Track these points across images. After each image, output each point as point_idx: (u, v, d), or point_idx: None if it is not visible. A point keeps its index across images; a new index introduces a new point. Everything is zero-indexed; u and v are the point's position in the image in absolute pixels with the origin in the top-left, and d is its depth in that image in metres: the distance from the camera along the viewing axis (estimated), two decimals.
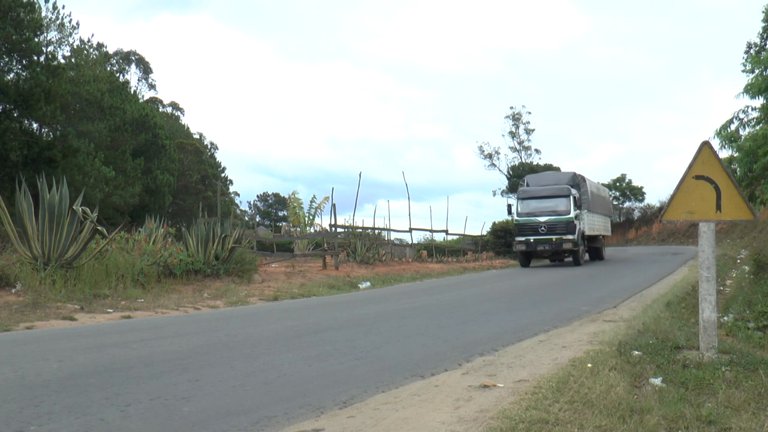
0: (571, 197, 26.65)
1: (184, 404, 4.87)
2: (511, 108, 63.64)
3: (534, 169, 64.08)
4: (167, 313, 11.82)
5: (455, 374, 5.98)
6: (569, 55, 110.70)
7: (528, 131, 62.79)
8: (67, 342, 8.22)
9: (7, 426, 4.35)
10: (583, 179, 28.86)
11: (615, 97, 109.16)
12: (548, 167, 62.95)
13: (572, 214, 26.45)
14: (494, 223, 38.87)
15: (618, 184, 66.21)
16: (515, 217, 28.06)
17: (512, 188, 64.32)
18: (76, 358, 6.99)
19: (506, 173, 63.43)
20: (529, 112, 63.19)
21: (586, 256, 30.31)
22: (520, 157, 64.18)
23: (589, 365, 6.00)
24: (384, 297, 14.88)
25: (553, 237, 26.41)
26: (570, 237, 26.20)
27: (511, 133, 62.86)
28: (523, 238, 27.18)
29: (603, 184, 43.76)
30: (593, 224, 29.49)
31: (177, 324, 10.28)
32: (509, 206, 28.74)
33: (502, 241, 36.88)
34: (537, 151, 63.79)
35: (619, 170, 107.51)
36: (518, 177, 63.46)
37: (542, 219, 26.78)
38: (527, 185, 29.22)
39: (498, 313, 11.45)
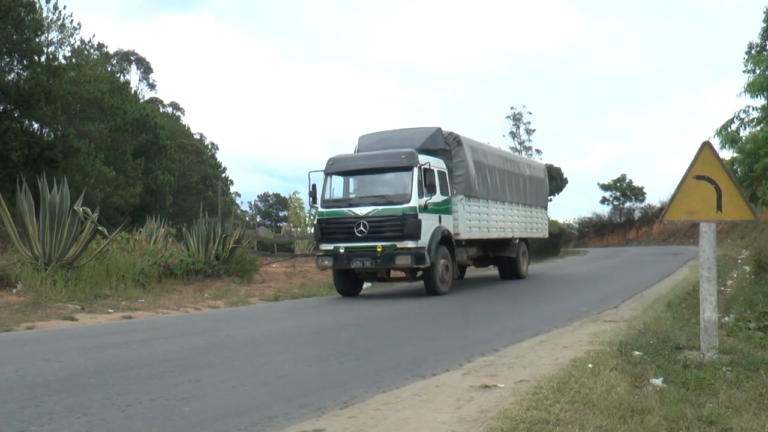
0: (416, 171, 14.27)
1: (185, 404, 4.87)
2: (512, 108, 63.10)
3: None
4: (168, 314, 11.82)
5: (456, 374, 5.98)
6: (569, 56, 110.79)
7: (529, 131, 62.49)
8: (67, 342, 8.22)
9: (8, 426, 4.35)
10: (458, 141, 16.12)
11: (615, 98, 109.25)
12: (548, 168, 62.51)
13: (414, 202, 14.06)
14: None
15: (619, 184, 66.16)
16: (318, 208, 15.34)
17: None
18: (77, 358, 7.00)
19: None
20: (530, 113, 62.48)
21: (488, 274, 21.16)
22: None
23: (590, 365, 6.00)
24: (385, 298, 14.87)
25: (378, 244, 14.12)
26: (410, 244, 13.96)
27: (512, 133, 62.51)
28: (330, 246, 14.62)
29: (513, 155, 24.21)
30: (487, 220, 17.46)
31: (178, 324, 10.29)
32: (313, 187, 15.54)
33: None
34: (538, 151, 63.34)
35: (620, 170, 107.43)
36: None
37: (360, 211, 14.41)
38: (357, 151, 16.65)
39: (499, 315, 11.45)
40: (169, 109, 53.51)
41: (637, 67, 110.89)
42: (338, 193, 15.36)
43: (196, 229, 17.29)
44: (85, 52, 37.34)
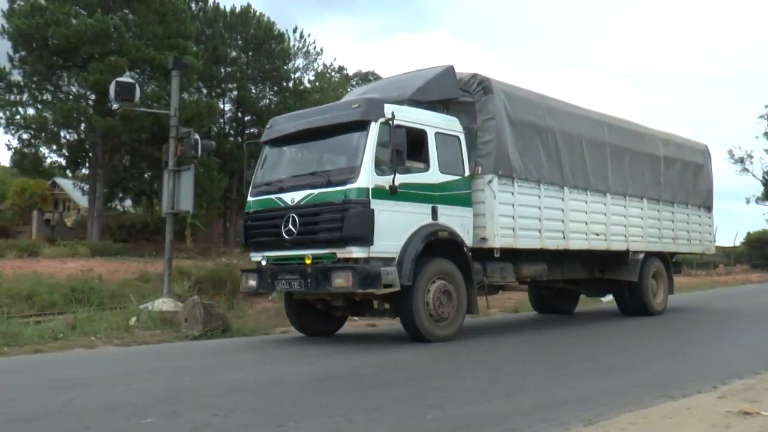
0: (374, 129, 8.65)
1: (428, 412, 4.97)
2: (766, 107, 57.67)
3: None
4: None
5: (710, 397, 5.53)
6: None
7: None
8: (317, 347, 8.80)
9: (270, 419, 4.73)
10: (485, 88, 10.09)
11: None
12: None
13: (365, 180, 8.48)
14: (749, 234, 35.70)
15: None
16: (249, 198, 10.02)
17: None
18: (327, 362, 7.46)
19: (761, 178, 57.42)
20: None
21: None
22: None
23: None
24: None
25: (308, 252, 8.79)
26: (355, 252, 8.45)
27: (766, 134, 57.10)
28: (258, 256, 9.62)
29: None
30: (561, 219, 11.17)
31: None
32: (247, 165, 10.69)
33: (758, 252, 33.70)
34: None
35: None
36: None
37: (291, 198, 9.13)
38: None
39: (756, 332, 10.46)
40: None
41: None
42: (278, 173, 9.86)
43: None
44: (327, 75, 40.07)
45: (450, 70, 10.13)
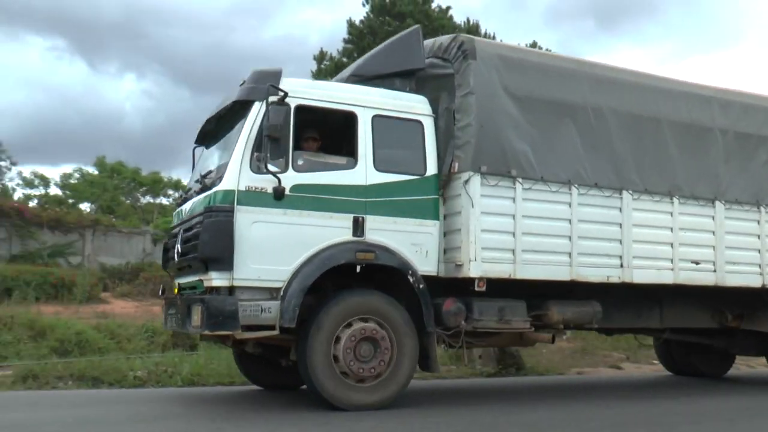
0: (256, 111, 6.30)
1: None
2: None
3: None
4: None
5: None
6: None
7: None
8: (612, 389, 8.47)
9: None
10: (465, 52, 6.93)
11: None
12: None
13: (231, 182, 6.12)
14: None
15: None
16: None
17: None
18: (623, 405, 7.10)
19: None
20: None
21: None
22: None
23: None
24: None
25: (181, 281, 7.11)
26: (216, 280, 6.07)
27: None
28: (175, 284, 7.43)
29: None
30: (618, 239, 7.40)
31: (729, 382, 9.75)
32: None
33: None
34: None
35: None
36: None
37: (186, 208, 7.08)
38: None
39: None
40: None
41: None
42: (192, 179, 7.78)
43: None
44: None
45: (414, 33, 7.44)
